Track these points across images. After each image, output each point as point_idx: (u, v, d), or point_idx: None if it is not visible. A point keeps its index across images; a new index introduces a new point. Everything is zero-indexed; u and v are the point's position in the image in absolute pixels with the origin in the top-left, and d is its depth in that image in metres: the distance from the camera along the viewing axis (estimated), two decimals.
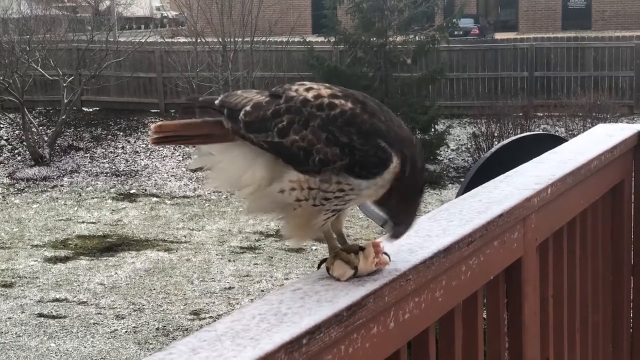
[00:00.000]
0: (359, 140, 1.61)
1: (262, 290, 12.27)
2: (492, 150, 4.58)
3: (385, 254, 1.75)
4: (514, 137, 4.85)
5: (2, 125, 23.13)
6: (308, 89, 1.67)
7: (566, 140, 3.47)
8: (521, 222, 2.26)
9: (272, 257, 13.95)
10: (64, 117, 21.64)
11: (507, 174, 2.52)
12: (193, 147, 1.79)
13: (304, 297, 1.57)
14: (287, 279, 12.70)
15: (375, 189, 1.65)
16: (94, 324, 11.30)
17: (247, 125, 1.63)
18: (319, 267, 1.76)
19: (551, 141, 4.11)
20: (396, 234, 1.75)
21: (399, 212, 1.71)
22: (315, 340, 1.45)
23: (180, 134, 1.69)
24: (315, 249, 13.80)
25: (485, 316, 2.26)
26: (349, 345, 1.57)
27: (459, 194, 3.16)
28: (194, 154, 1.77)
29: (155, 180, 19.82)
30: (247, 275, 13.08)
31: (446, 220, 2.05)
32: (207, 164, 1.72)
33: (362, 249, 1.72)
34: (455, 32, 27.45)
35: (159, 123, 1.70)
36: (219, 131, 1.67)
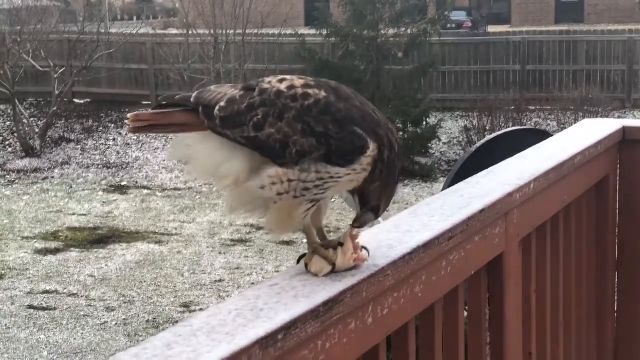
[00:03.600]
0: (334, 129, 1.61)
1: (253, 283, 12.27)
2: (477, 145, 4.58)
3: (365, 248, 1.75)
4: (499, 132, 4.86)
5: None
6: (281, 80, 1.66)
7: (552, 135, 3.47)
8: (503, 217, 2.26)
9: (263, 250, 13.95)
10: (55, 108, 21.56)
11: (490, 169, 2.52)
12: (171, 136, 1.79)
13: (280, 293, 1.58)
14: (277, 271, 12.70)
15: (354, 174, 1.65)
16: (84, 316, 11.29)
17: (222, 121, 1.63)
18: (298, 262, 1.76)
19: (538, 136, 4.11)
20: (365, 221, 1.74)
21: (376, 198, 1.70)
22: (291, 336, 1.46)
23: (157, 122, 1.68)
24: (306, 242, 13.80)
25: (466, 311, 2.26)
26: (326, 341, 1.57)
27: (444, 189, 3.16)
28: (170, 145, 1.77)
29: (147, 172, 19.79)
30: (238, 268, 13.08)
31: (427, 215, 2.05)
32: (185, 154, 1.71)
33: (341, 244, 1.72)
34: (448, 25, 27.42)
35: (135, 112, 1.69)
36: (196, 120, 1.65)
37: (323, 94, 1.64)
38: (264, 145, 1.61)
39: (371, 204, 1.71)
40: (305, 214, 1.68)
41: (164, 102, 1.72)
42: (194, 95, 1.69)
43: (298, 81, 1.66)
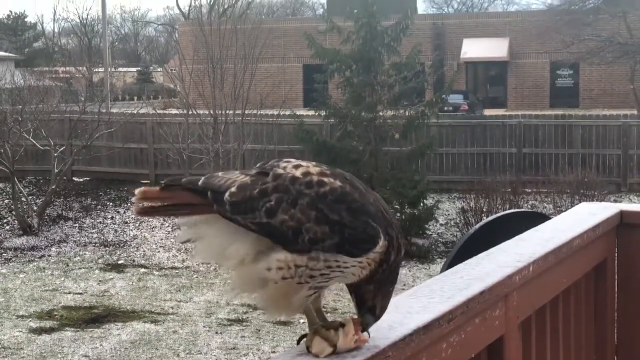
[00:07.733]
0: (348, 217, 1.60)
1: None
2: (476, 227, 4.61)
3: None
4: (498, 214, 4.89)
5: None
6: (297, 167, 1.65)
7: (550, 218, 3.49)
8: (503, 299, 2.27)
9: (259, 330, 13.82)
10: (54, 186, 21.61)
11: (489, 251, 2.54)
12: (178, 219, 1.78)
13: None
14: (274, 352, 12.56)
15: (359, 268, 1.64)
16: None
17: (232, 207, 1.61)
18: (298, 342, 1.75)
19: (535, 218, 4.13)
20: (366, 324, 1.73)
21: (372, 298, 1.70)
22: None
23: (163, 202, 1.67)
24: (303, 322, 13.67)
25: None
26: None
27: (442, 270, 3.17)
28: (181, 226, 1.77)
29: (144, 251, 19.73)
30: (234, 348, 12.94)
31: (427, 297, 2.06)
32: (193, 236, 1.70)
33: (342, 325, 1.72)
34: (445, 108, 27.75)
35: (142, 189, 1.68)
36: (202, 201, 1.65)
37: (339, 183, 1.64)
38: (276, 232, 1.60)
39: (367, 304, 1.71)
40: (306, 299, 1.67)
41: (170, 183, 1.70)
42: (201, 180, 1.68)
43: (314, 169, 1.65)
